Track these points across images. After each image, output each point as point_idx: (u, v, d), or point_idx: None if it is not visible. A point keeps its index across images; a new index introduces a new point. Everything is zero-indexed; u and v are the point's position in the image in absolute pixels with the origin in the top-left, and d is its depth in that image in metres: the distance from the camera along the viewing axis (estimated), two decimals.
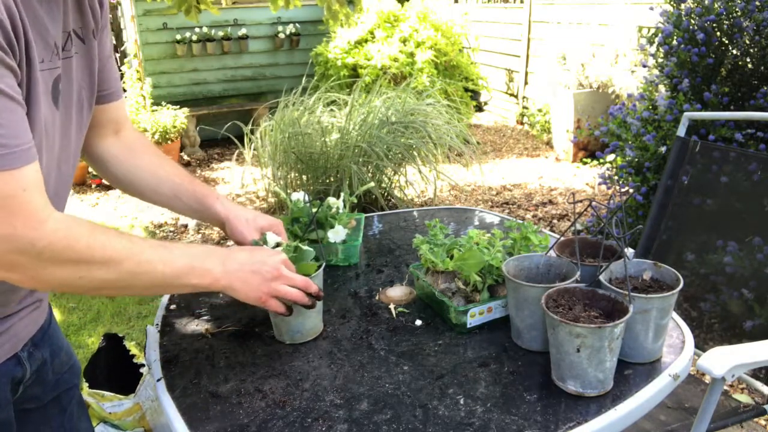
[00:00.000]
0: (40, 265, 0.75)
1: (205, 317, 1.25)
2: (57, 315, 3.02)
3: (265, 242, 1.17)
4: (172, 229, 4.20)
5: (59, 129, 0.86)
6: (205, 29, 6.18)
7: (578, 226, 2.01)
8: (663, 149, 2.56)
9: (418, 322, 1.20)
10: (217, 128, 5.70)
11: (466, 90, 6.14)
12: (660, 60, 2.70)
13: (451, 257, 1.20)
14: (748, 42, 2.42)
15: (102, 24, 0.95)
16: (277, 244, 1.16)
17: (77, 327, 2.92)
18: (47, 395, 1.02)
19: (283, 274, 0.99)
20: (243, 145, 4.14)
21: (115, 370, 2.01)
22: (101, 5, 0.94)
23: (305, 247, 1.13)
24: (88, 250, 0.78)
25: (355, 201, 1.87)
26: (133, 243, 0.84)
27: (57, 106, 0.84)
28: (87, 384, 1.94)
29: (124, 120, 1.12)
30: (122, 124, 1.12)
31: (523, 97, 6.65)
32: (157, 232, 4.16)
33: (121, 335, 2.09)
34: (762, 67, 2.41)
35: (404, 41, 5.93)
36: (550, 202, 4.41)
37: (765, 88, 2.38)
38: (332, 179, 3.76)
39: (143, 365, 2.01)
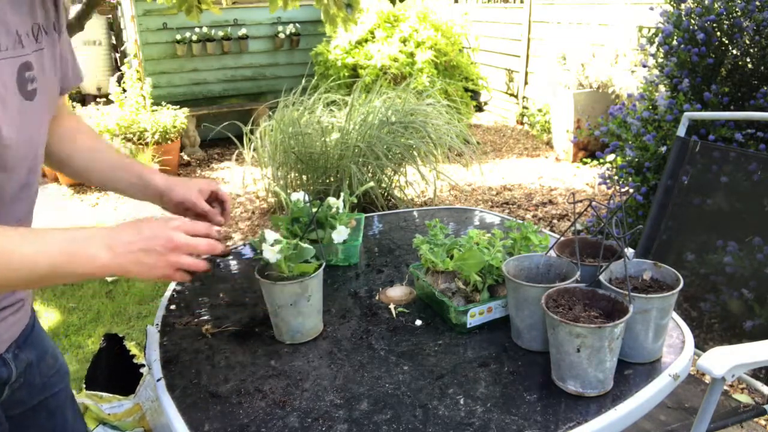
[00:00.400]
0: None
1: (205, 317, 1.25)
2: (56, 315, 3.02)
3: (264, 240, 1.17)
4: None
5: (34, 116, 0.87)
6: (205, 29, 6.18)
7: (578, 226, 2.01)
8: (663, 149, 2.56)
9: (418, 322, 1.20)
10: (217, 128, 5.70)
11: (466, 90, 6.14)
12: (660, 60, 2.69)
13: (451, 257, 1.20)
14: (748, 42, 2.42)
15: (60, 23, 0.96)
16: (276, 241, 1.16)
17: (77, 327, 2.91)
18: (34, 399, 1.01)
19: (179, 243, 0.90)
20: (243, 145, 4.14)
21: (116, 370, 2.01)
22: (56, 6, 0.95)
23: (305, 245, 1.13)
24: None
25: (355, 201, 1.87)
26: None
27: (26, 94, 0.84)
28: (84, 385, 1.94)
29: (63, 108, 1.13)
30: (61, 111, 1.13)
31: (523, 97, 6.65)
32: None
33: (121, 335, 2.09)
34: (762, 67, 2.41)
35: (404, 41, 5.93)
36: (550, 202, 4.41)
37: (765, 88, 2.38)
38: (332, 179, 3.76)
39: (143, 365, 2.01)
